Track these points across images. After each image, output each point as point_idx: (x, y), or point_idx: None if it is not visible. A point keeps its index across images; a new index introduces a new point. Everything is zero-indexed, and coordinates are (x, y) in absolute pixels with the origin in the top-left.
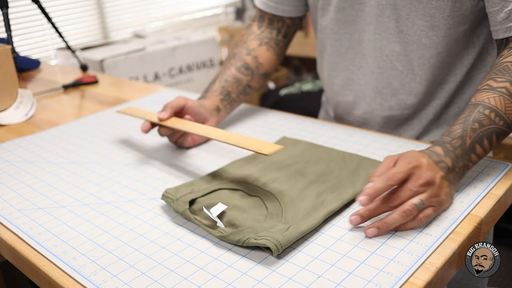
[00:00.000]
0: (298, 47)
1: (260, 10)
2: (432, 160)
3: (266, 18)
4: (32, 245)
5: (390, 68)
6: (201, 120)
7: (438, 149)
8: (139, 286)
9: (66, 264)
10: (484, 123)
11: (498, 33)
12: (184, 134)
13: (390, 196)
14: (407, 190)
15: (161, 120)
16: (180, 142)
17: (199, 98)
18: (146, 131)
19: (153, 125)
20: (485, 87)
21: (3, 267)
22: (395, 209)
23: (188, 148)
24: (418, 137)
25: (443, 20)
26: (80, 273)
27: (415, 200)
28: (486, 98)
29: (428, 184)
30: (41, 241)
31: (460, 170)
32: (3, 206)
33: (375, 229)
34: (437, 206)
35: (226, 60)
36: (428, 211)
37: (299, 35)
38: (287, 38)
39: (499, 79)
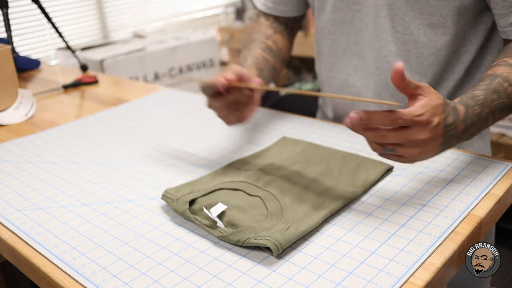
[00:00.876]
0: (298, 47)
1: (260, 11)
2: (445, 122)
3: (271, 15)
4: (32, 245)
5: (388, 70)
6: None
7: (461, 110)
8: (139, 286)
9: (66, 264)
10: (501, 95)
11: (508, 34)
12: (232, 111)
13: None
14: (395, 135)
15: (227, 80)
16: (229, 119)
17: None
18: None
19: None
20: (502, 62)
21: (3, 267)
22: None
23: (235, 124)
24: None
25: (441, 18)
26: (80, 273)
27: (389, 146)
28: (505, 72)
29: (417, 144)
30: (41, 241)
31: (465, 136)
32: (3, 206)
33: (356, 116)
34: (406, 162)
35: (246, 44)
36: (397, 157)
37: (299, 35)
38: (294, 30)
39: None
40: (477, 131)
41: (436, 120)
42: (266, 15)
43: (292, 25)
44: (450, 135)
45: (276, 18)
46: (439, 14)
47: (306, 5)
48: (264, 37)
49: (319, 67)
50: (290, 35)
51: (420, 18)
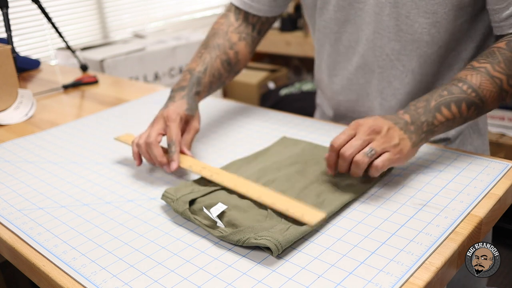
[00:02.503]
0: (298, 47)
1: (234, 5)
2: (385, 117)
3: (242, 11)
4: (32, 245)
5: (390, 68)
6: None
7: (400, 111)
8: (139, 286)
9: (66, 264)
10: (454, 92)
11: (503, 29)
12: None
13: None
14: (357, 139)
15: (172, 171)
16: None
17: (194, 91)
18: (139, 165)
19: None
20: (468, 67)
21: (3, 267)
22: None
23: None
24: None
25: (445, 15)
26: (80, 273)
27: (365, 149)
28: (464, 75)
29: (375, 131)
30: (41, 241)
31: (424, 125)
32: (3, 206)
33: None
34: (393, 150)
35: (209, 46)
36: (385, 155)
37: (299, 35)
38: (261, 35)
39: (482, 60)
40: (433, 118)
41: (377, 118)
42: (237, 11)
43: (260, 27)
44: (400, 123)
45: (246, 18)
46: (443, 11)
47: (282, 7)
48: (228, 46)
49: (319, 66)
50: (254, 42)
51: (425, 17)
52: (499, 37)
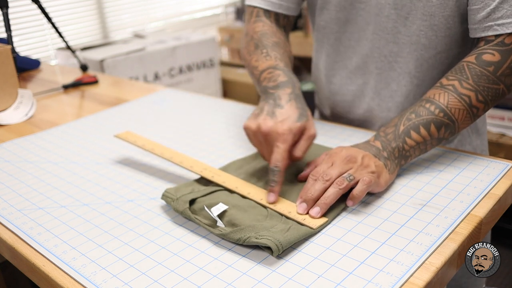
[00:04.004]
0: (298, 47)
1: (261, 9)
2: (357, 146)
3: (272, 14)
4: (32, 245)
5: (388, 69)
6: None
7: (371, 138)
8: (139, 286)
9: (66, 264)
10: (421, 113)
11: (476, 32)
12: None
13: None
14: (334, 168)
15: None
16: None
17: (297, 87)
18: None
19: None
20: (437, 85)
21: (3, 267)
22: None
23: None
24: None
25: (443, 19)
26: (80, 273)
27: (344, 174)
28: (432, 94)
29: (351, 161)
30: (41, 241)
31: (395, 151)
32: (3, 206)
33: (318, 208)
34: (371, 175)
35: (269, 47)
36: (367, 177)
37: (299, 35)
38: (289, 34)
39: (450, 77)
40: (403, 143)
41: (350, 148)
42: (267, 14)
43: (289, 27)
44: (373, 150)
45: (277, 20)
46: (441, 15)
47: (300, 6)
48: (282, 45)
49: (317, 65)
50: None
51: (422, 19)
52: (475, 40)
